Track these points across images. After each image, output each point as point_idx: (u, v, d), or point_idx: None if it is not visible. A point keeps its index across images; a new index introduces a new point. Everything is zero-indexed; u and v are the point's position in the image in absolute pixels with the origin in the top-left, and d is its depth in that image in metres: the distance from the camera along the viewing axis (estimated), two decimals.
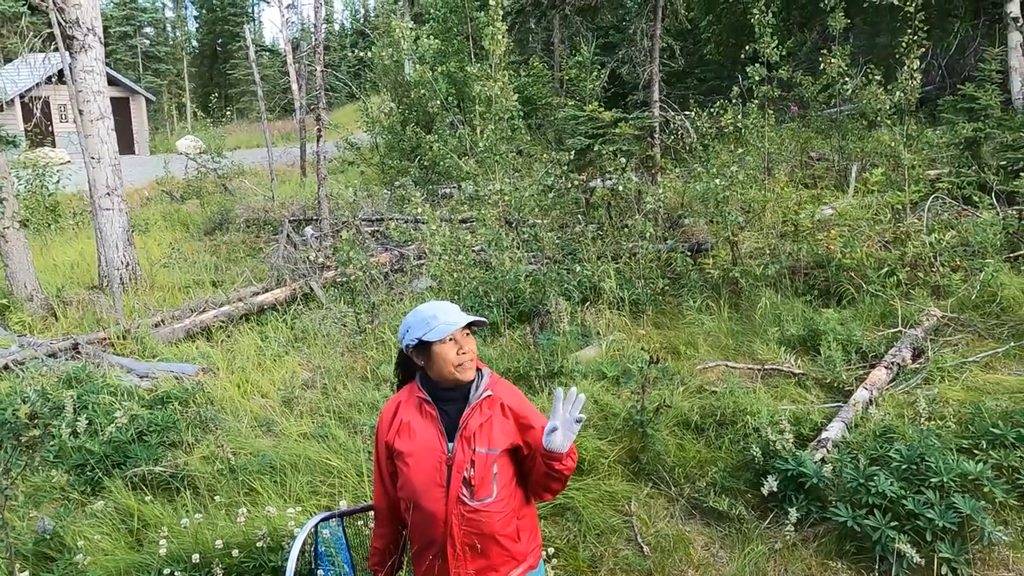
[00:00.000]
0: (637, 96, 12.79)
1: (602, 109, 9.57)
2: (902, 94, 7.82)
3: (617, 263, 7.64)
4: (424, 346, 2.46)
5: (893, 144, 7.83)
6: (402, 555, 2.75)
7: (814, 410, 4.95)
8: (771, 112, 8.62)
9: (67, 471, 4.79)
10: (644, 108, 10.64)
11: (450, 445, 2.44)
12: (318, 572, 3.03)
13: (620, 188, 8.39)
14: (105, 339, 7.45)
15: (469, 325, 2.45)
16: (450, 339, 2.43)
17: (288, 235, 10.89)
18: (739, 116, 8.54)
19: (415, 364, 2.55)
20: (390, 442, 2.53)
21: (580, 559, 3.83)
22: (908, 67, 7.67)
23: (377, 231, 11.03)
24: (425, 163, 12.51)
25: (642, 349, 5.96)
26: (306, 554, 3.01)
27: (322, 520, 2.90)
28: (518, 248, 7.46)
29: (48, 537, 4.10)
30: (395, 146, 14.85)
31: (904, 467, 3.89)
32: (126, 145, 27.59)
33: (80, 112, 9.41)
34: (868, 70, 8.45)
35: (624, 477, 4.52)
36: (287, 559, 2.73)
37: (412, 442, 2.48)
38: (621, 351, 6.18)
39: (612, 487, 4.38)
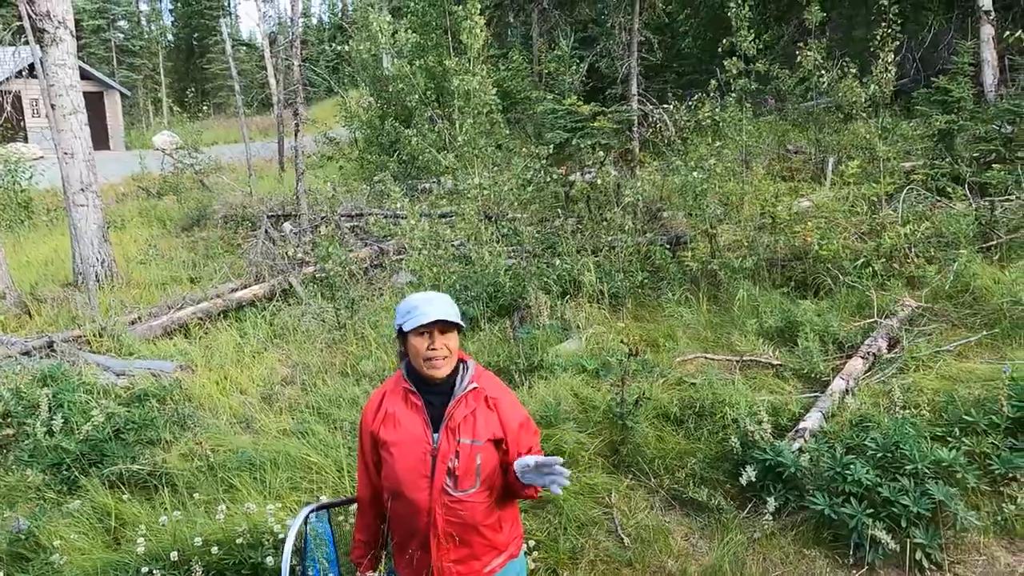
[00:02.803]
0: (616, 90, 12.83)
1: (581, 103, 9.59)
2: (877, 87, 7.91)
3: (596, 256, 7.66)
4: (403, 334, 2.47)
5: (868, 136, 7.91)
6: (382, 548, 2.75)
7: (792, 400, 5.00)
8: (748, 105, 8.67)
9: (42, 470, 4.72)
10: (623, 102, 10.67)
11: (435, 436, 2.45)
12: (305, 566, 3.02)
13: (599, 182, 8.41)
14: (81, 337, 7.35)
15: (439, 323, 2.41)
16: (423, 332, 2.42)
17: (267, 231, 10.80)
18: (717, 109, 8.59)
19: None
20: (375, 431, 2.54)
21: (561, 551, 3.84)
22: (883, 60, 7.76)
23: (356, 226, 10.97)
24: (404, 158, 12.47)
25: (621, 342, 5.95)
26: (297, 547, 3.01)
27: (313, 511, 2.89)
28: (498, 242, 7.46)
29: (23, 537, 4.05)
30: (374, 141, 14.78)
31: (880, 455, 3.95)
32: (101, 141, 27.21)
33: (52, 107, 9.26)
34: (844, 63, 8.53)
35: (604, 469, 4.54)
36: (280, 553, 2.72)
37: (397, 432, 2.49)
38: (601, 344, 6.20)
39: (592, 479, 4.40)
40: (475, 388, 2.50)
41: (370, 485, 2.65)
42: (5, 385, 5.87)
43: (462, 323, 2.49)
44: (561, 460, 2.31)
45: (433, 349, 2.42)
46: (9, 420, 5.28)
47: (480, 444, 2.45)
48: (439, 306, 2.44)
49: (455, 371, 2.52)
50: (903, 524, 3.64)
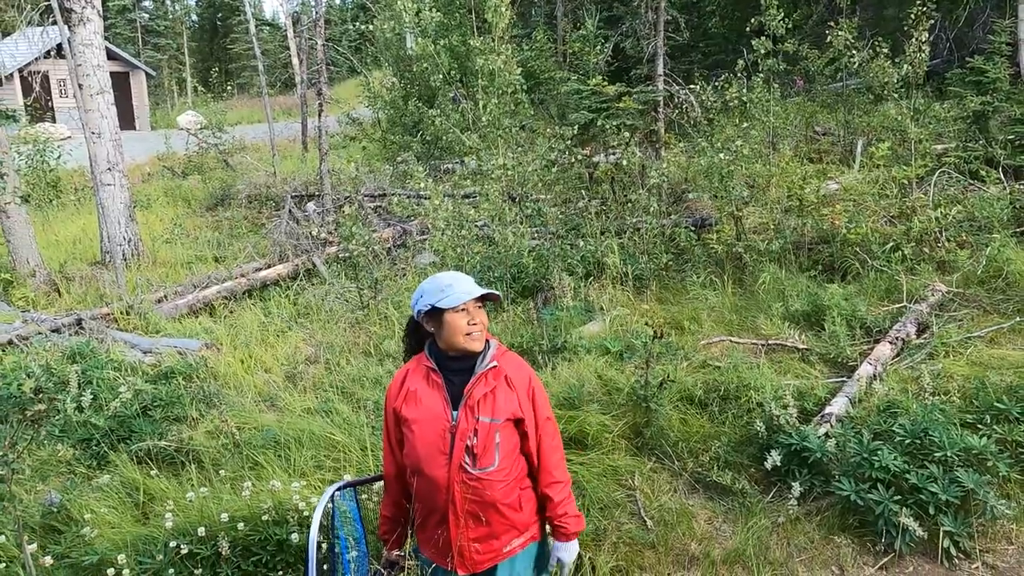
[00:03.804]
0: (641, 70, 12.67)
1: (606, 83, 9.48)
2: (909, 67, 7.73)
3: (621, 238, 7.61)
4: (436, 313, 2.49)
5: (900, 118, 7.75)
6: (408, 525, 2.77)
7: (818, 385, 4.94)
8: (776, 86, 8.53)
9: (73, 445, 4.81)
10: (648, 82, 10.55)
11: (454, 413, 2.47)
12: (335, 541, 3.05)
13: (624, 163, 8.33)
14: (108, 315, 7.45)
15: (483, 297, 2.50)
16: (462, 308, 2.46)
17: (290, 210, 10.85)
18: (744, 90, 8.46)
19: (425, 332, 2.57)
20: (397, 409, 2.57)
21: (583, 533, 3.83)
22: (916, 40, 7.58)
23: (380, 206, 10.99)
24: (428, 138, 12.43)
25: (646, 324, 5.93)
26: (321, 525, 3.04)
27: (338, 489, 2.92)
28: (521, 223, 7.42)
29: (56, 510, 4.12)
30: (397, 121, 14.75)
31: (908, 441, 3.89)
32: (126, 121, 27.40)
33: (80, 86, 9.34)
34: (875, 43, 8.35)
35: (628, 452, 4.52)
36: (307, 532, 2.76)
37: (418, 409, 2.52)
38: (625, 326, 6.17)
39: (616, 462, 4.39)
40: (495, 367, 2.52)
41: (395, 463, 2.68)
42: (36, 361, 5.97)
43: (499, 294, 2.59)
44: None
45: (474, 324, 2.49)
46: (40, 396, 5.35)
47: (499, 423, 2.47)
48: (471, 282, 2.52)
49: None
50: (931, 512, 3.59)
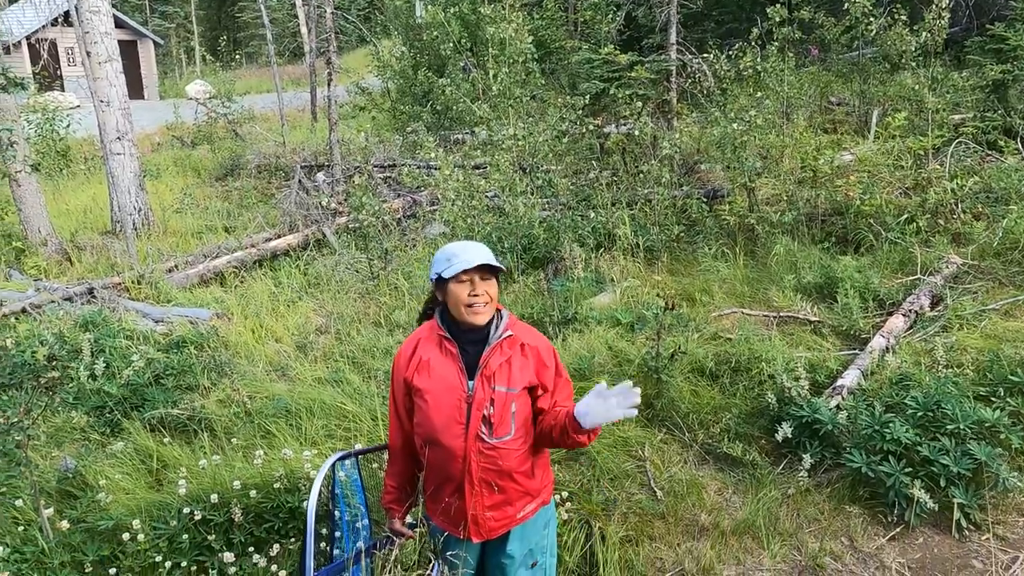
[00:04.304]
0: (654, 39, 12.48)
1: (618, 52, 9.36)
2: (928, 35, 7.59)
3: (632, 209, 7.56)
4: (442, 282, 2.46)
5: (917, 88, 7.62)
6: (414, 495, 2.78)
7: (830, 357, 4.92)
8: (791, 55, 8.40)
9: (87, 413, 4.85)
10: (661, 51, 10.40)
11: (470, 383, 2.45)
12: (335, 512, 3.07)
13: (635, 133, 8.25)
14: (120, 284, 7.48)
15: (481, 269, 2.42)
16: (465, 279, 2.41)
17: (300, 181, 10.82)
18: (758, 59, 8.33)
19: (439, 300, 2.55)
20: (408, 379, 2.54)
21: (594, 503, 3.86)
22: (935, 6, 7.43)
23: (389, 177, 10.94)
24: (438, 108, 12.34)
25: (657, 295, 5.92)
26: (322, 495, 3.05)
27: (339, 459, 2.92)
28: (532, 194, 7.38)
29: (71, 476, 4.17)
30: (407, 91, 14.61)
31: (920, 414, 3.88)
32: (135, 90, 27.24)
33: (88, 54, 9.28)
34: (893, 10, 8.19)
35: (638, 423, 4.52)
36: (308, 499, 2.77)
37: (431, 379, 2.49)
38: (636, 298, 6.15)
39: (626, 433, 4.40)
40: (510, 336, 2.50)
41: (401, 432, 2.67)
42: (49, 329, 6.01)
43: (503, 267, 2.50)
44: (630, 383, 2.25)
45: (475, 296, 2.43)
46: (54, 363, 5.40)
47: (516, 392, 2.46)
48: (479, 252, 2.45)
49: (490, 319, 2.52)
50: (942, 484, 3.59)
